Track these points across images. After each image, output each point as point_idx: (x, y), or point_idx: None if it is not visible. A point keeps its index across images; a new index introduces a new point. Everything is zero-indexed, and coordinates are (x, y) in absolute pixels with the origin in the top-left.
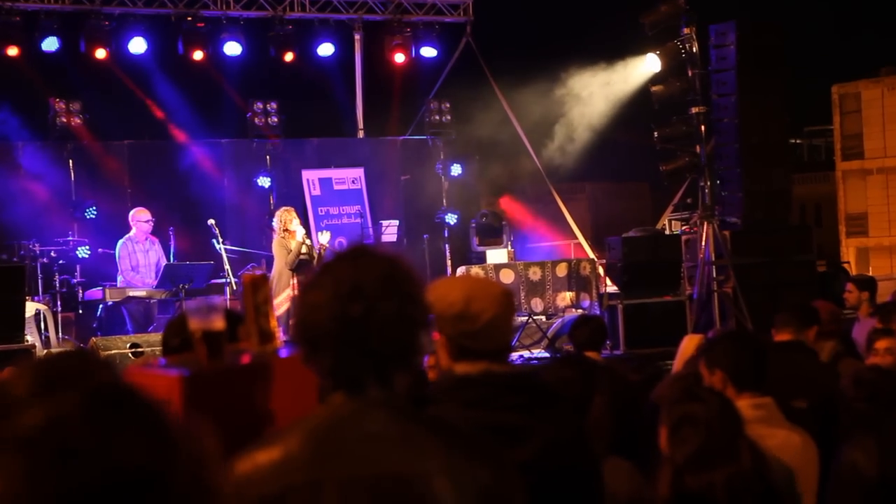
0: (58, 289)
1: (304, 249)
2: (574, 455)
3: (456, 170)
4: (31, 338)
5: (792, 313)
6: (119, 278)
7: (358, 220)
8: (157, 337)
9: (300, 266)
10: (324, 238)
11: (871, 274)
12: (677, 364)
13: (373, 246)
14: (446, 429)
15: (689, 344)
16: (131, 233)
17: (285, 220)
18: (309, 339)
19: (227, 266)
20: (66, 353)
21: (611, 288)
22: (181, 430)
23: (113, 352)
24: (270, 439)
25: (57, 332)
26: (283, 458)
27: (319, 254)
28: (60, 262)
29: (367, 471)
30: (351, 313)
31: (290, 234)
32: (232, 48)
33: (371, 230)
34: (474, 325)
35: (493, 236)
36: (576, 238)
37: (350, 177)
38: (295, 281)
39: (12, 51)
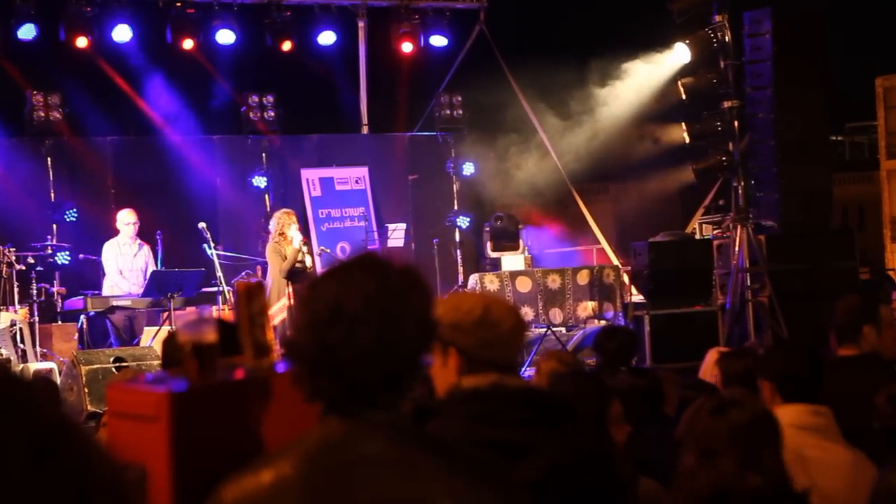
0: (35, 298)
1: (299, 257)
2: (591, 476)
3: (468, 169)
4: (6, 351)
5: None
6: (106, 284)
7: (362, 224)
8: (143, 350)
9: (294, 275)
10: (296, 240)
11: None
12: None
13: (371, 257)
14: (449, 450)
15: (711, 358)
16: (118, 236)
17: (283, 223)
18: (294, 360)
19: (219, 273)
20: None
21: (636, 297)
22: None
23: (95, 366)
24: (260, 463)
25: (34, 345)
26: (275, 482)
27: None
28: (38, 268)
29: (365, 495)
30: (329, 339)
31: (284, 240)
32: (225, 36)
33: (376, 234)
34: (494, 331)
35: (508, 241)
36: (598, 243)
37: (353, 176)
38: (290, 290)
39: None
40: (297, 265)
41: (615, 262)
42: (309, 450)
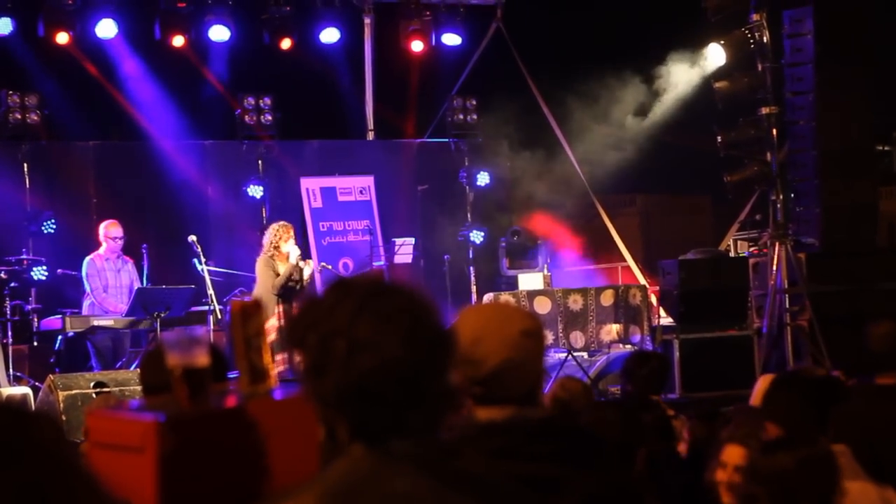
0: (9, 316)
1: (294, 275)
2: None
3: (483, 178)
4: None
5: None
6: (86, 303)
7: (366, 238)
8: (126, 374)
9: (287, 292)
10: (293, 255)
11: None
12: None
13: (384, 280)
14: (483, 486)
15: (764, 386)
16: (100, 249)
17: (280, 236)
18: (314, 389)
19: (210, 291)
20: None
21: (665, 320)
22: None
23: (74, 391)
24: (281, 499)
25: (7, 369)
26: None
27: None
28: (12, 284)
29: None
30: (353, 364)
31: (279, 255)
32: (218, 33)
33: (382, 249)
34: (480, 369)
35: (526, 258)
36: (624, 260)
37: (357, 186)
38: (281, 309)
39: None
40: (291, 283)
41: (642, 281)
42: (334, 484)
